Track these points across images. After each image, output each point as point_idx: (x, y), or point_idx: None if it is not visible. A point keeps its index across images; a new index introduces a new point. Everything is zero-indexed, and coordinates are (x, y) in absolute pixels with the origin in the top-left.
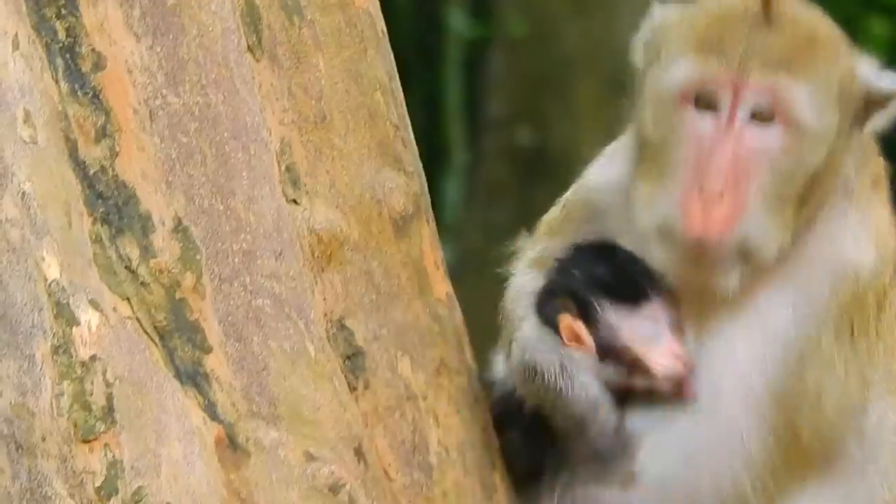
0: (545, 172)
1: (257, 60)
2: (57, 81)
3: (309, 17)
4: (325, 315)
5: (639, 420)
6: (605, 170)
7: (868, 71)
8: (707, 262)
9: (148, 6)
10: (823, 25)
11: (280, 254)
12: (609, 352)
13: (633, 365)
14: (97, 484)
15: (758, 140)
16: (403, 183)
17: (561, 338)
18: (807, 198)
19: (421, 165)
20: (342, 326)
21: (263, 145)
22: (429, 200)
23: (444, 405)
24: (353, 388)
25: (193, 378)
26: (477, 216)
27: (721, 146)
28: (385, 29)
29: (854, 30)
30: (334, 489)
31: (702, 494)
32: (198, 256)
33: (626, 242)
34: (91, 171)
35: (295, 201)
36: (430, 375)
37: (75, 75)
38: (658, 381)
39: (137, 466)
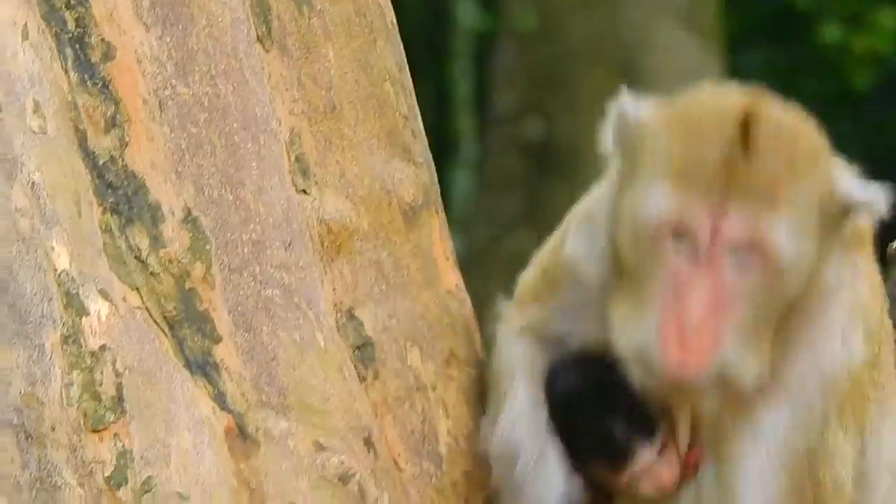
0: (553, 165)
1: (267, 51)
2: (66, 71)
3: (318, 8)
4: (335, 305)
5: None
6: (582, 241)
7: (846, 184)
8: (686, 389)
9: None
10: (803, 139)
11: (289, 244)
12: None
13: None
14: (107, 473)
15: (737, 273)
16: (413, 173)
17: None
18: (788, 316)
19: (430, 156)
20: (352, 317)
21: (273, 135)
22: (438, 191)
23: (453, 395)
24: (362, 379)
25: (203, 368)
26: (485, 209)
27: (699, 279)
28: (395, 20)
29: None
30: (344, 479)
31: None
32: (207, 246)
33: (606, 312)
34: (100, 161)
35: (304, 191)
36: (440, 366)
37: (85, 65)
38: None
39: (147, 456)
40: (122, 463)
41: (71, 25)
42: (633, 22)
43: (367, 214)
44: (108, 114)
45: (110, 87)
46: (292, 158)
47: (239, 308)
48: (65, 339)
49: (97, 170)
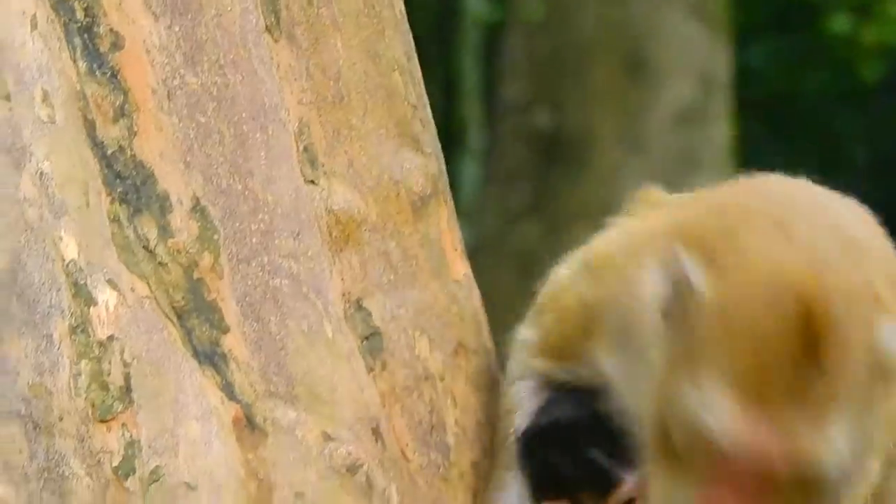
0: (561, 155)
1: (275, 41)
2: (75, 61)
3: None
4: (343, 295)
5: None
6: (619, 367)
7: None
8: None
9: None
10: (861, 335)
11: (298, 234)
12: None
13: None
14: (115, 463)
15: (789, 491)
16: (421, 163)
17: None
18: None
19: (439, 146)
20: (360, 307)
21: (282, 125)
22: (447, 181)
23: (461, 386)
24: (370, 369)
25: (211, 358)
26: (493, 199)
27: (751, 490)
28: (403, 9)
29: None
30: (352, 469)
31: None
32: (215, 236)
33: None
34: (109, 151)
35: (313, 182)
36: (448, 356)
37: (93, 55)
38: None
39: (155, 446)
40: (130, 453)
41: (80, 15)
42: (641, 12)
43: (376, 205)
44: (117, 103)
45: (119, 77)
46: (301, 148)
47: (247, 298)
48: (73, 329)
49: (106, 159)
